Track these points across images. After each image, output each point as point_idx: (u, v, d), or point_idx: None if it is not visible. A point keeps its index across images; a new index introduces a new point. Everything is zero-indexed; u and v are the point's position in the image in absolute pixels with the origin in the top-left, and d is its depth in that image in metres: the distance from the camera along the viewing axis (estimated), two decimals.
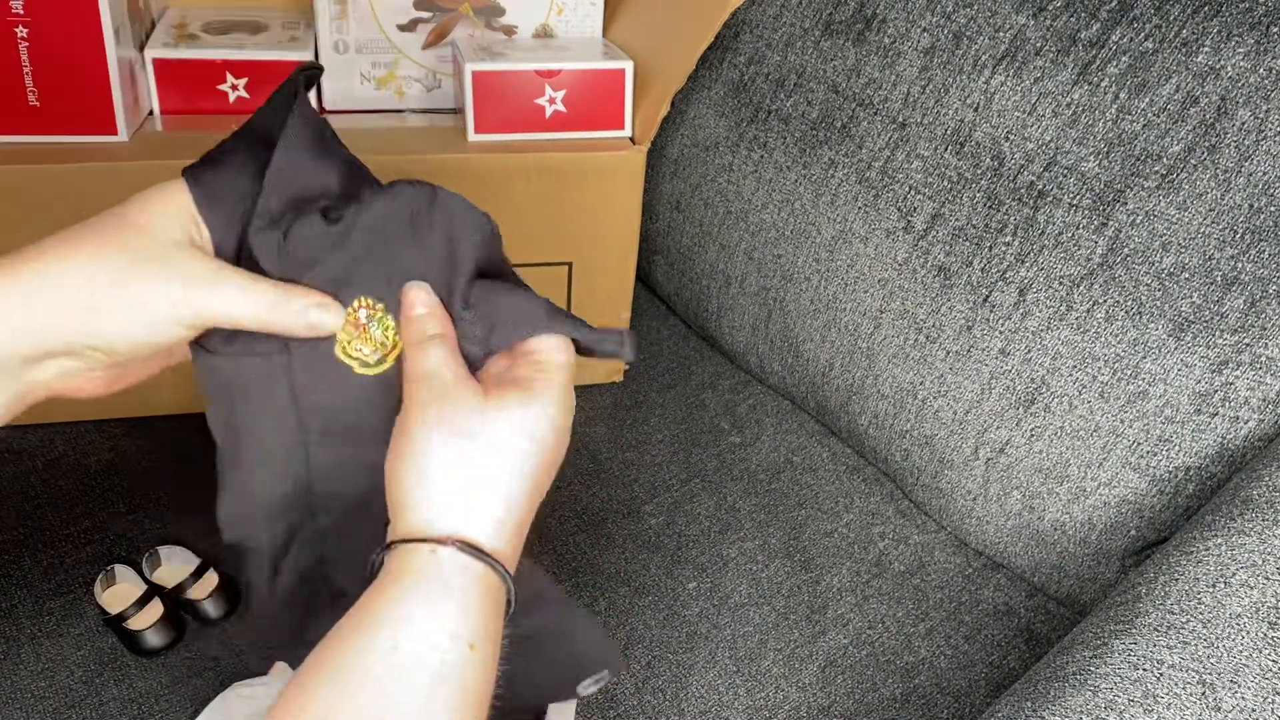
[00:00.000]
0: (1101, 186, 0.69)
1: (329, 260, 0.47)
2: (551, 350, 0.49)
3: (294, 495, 0.50)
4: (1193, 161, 0.66)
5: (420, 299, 0.49)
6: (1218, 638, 0.49)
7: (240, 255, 0.47)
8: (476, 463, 0.45)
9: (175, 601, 0.70)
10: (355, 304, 0.48)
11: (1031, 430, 0.72)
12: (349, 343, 0.48)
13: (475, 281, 0.50)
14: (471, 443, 0.45)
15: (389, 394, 0.49)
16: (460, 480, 0.45)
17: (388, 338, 0.49)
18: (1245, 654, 0.48)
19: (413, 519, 0.44)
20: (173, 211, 0.46)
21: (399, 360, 0.49)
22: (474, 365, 0.49)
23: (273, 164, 0.47)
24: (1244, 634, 0.49)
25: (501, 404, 0.46)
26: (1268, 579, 0.52)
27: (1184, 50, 0.67)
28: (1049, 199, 0.71)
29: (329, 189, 0.48)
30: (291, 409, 0.49)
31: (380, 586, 0.44)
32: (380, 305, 0.48)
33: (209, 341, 0.47)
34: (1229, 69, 0.65)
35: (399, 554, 0.44)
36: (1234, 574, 0.52)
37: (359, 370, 0.49)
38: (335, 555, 0.52)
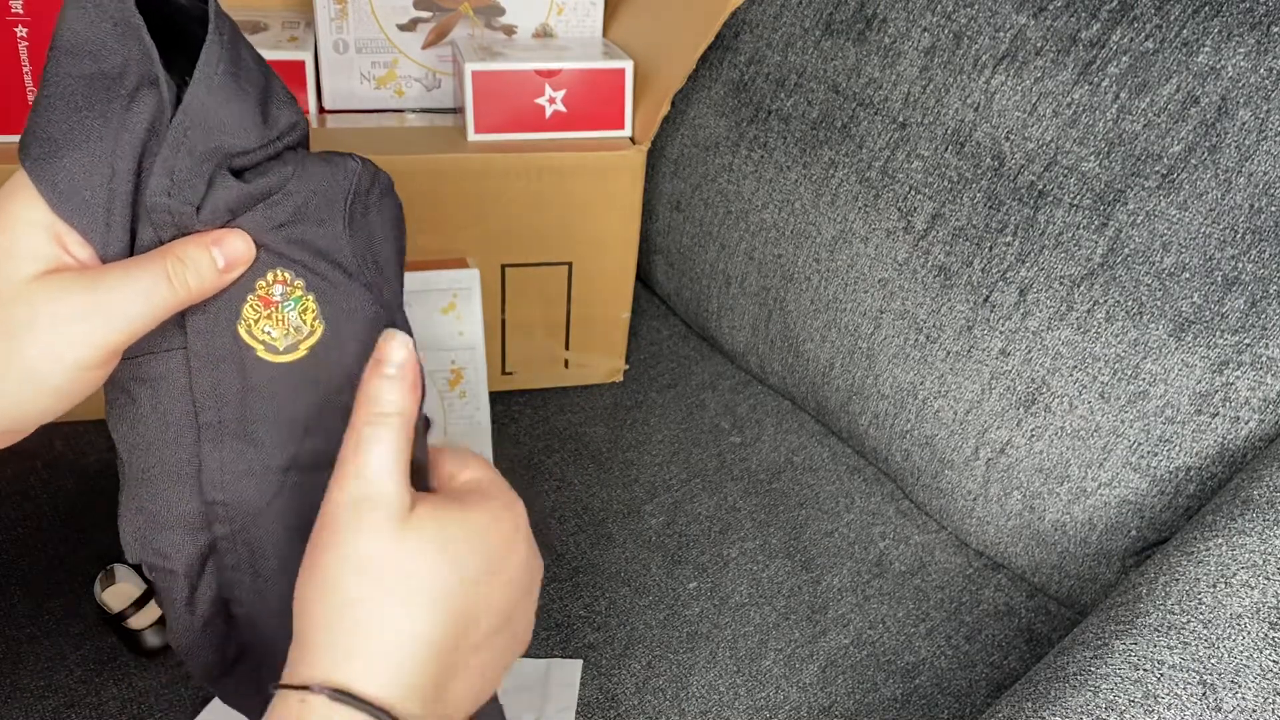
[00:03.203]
0: (1102, 186, 0.69)
1: (242, 222, 0.40)
2: (468, 466, 0.42)
3: (201, 511, 0.44)
4: (1193, 161, 0.66)
5: (396, 357, 0.40)
6: (1218, 638, 0.49)
7: (135, 236, 0.39)
8: (375, 599, 0.38)
9: None
10: (270, 277, 0.41)
11: (1032, 430, 0.72)
12: (255, 322, 0.41)
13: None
14: (377, 577, 0.38)
15: (298, 388, 0.43)
16: (350, 617, 0.37)
17: (305, 321, 0.42)
18: (1246, 654, 0.48)
19: (297, 662, 0.38)
20: (21, 238, 0.37)
21: (314, 350, 0.42)
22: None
23: (183, 109, 0.38)
24: (1245, 634, 0.49)
25: (418, 532, 0.39)
26: (1268, 579, 0.52)
27: (1184, 50, 0.67)
28: (1049, 199, 0.71)
29: (248, 133, 0.40)
30: (190, 408, 0.43)
31: None
32: (300, 283, 0.41)
33: None
34: (1229, 69, 0.65)
35: (276, 700, 0.38)
36: (1235, 574, 0.52)
37: (263, 355, 0.42)
38: (235, 576, 0.46)
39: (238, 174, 0.40)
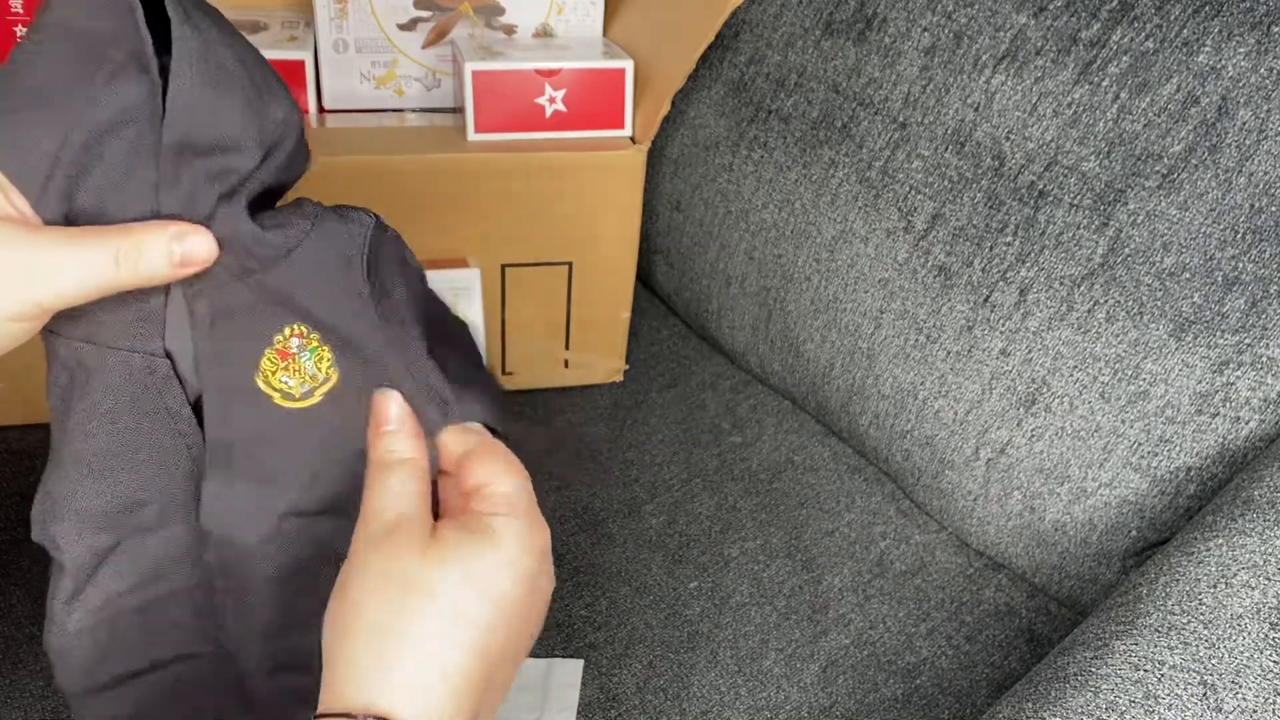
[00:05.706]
0: (1102, 186, 0.69)
1: (270, 278, 0.41)
2: (502, 477, 0.42)
3: (117, 514, 0.44)
4: (1194, 161, 0.66)
5: (392, 413, 0.42)
6: (1219, 638, 0.49)
7: (72, 207, 0.38)
8: (407, 622, 0.38)
9: None
10: (287, 330, 0.42)
11: (1032, 431, 0.72)
12: (273, 373, 0.42)
13: (437, 332, 0.45)
14: (404, 597, 0.38)
15: (311, 432, 0.44)
16: (385, 642, 0.38)
17: (320, 370, 0.43)
18: (1247, 655, 0.48)
19: (333, 686, 0.38)
20: None
21: (329, 394, 0.43)
22: (430, 433, 0.44)
23: (167, 125, 0.37)
24: (1245, 635, 0.49)
25: (444, 551, 0.39)
26: (1269, 579, 0.52)
27: (1185, 50, 0.67)
28: (1049, 199, 0.71)
29: (226, 131, 0.38)
30: (138, 419, 0.42)
31: None
32: (315, 335, 0.42)
33: (53, 320, 0.40)
34: (1230, 69, 0.65)
35: None
36: (1235, 574, 0.52)
37: (279, 402, 0.43)
38: (224, 602, 0.46)
39: (253, 212, 0.40)
